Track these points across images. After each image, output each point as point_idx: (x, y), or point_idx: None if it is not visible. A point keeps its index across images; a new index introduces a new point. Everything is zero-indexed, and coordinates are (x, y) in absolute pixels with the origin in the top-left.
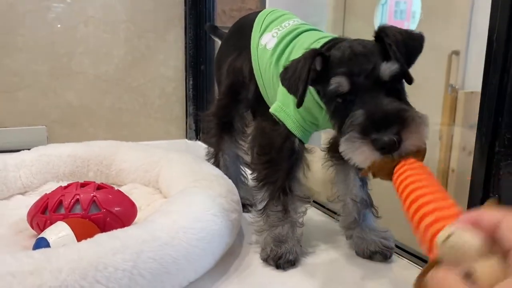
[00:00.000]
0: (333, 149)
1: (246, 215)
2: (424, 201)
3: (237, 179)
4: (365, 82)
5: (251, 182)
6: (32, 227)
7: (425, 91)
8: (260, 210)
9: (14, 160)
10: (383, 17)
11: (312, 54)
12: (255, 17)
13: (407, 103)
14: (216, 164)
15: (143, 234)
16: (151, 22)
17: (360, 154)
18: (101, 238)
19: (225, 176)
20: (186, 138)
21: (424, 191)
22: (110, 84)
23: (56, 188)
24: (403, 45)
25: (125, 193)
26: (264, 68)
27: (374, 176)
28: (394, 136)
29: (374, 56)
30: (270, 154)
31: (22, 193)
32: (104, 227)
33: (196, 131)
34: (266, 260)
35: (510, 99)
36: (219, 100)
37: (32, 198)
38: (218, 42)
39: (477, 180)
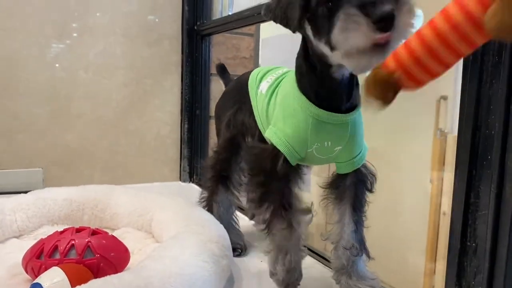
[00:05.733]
0: (332, 186)
1: (237, 260)
2: None
3: (229, 225)
4: None
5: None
6: (27, 272)
7: (415, 135)
8: (264, 229)
9: (11, 204)
10: None
11: None
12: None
13: None
14: (209, 210)
15: (136, 279)
16: (149, 68)
17: (356, 31)
18: (95, 283)
19: (216, 220)
20: (180, 180)
21: None
22: (108, 127)
23: (53, 233)
24: None
25: (118, 237)
26: (261, 111)
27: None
28: (391, 9)
29: None
30: (261, 175)
31: (17, 237)
32: (97, 272)
33: (190, 173)
34: (279, 285)
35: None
36: (218, 153)
37: (26, 242)
38: (214, 88)
39: (455, 229)
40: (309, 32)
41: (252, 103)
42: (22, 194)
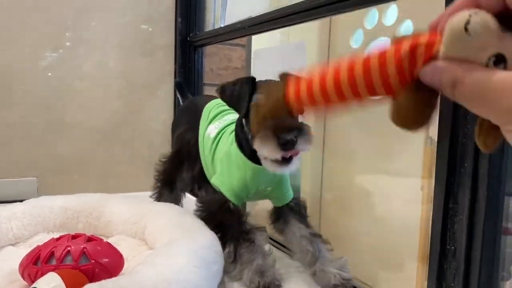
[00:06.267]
0: (275, 221)
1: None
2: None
3: None
4: None
5: None
6: (23, 278)
7: (405, 143)
8: (232, 260)
9: (6, 212)
10: None
11: (249, 79)
12: (207, 101)
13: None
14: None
15: (130, 284)
16: (143, 78)
17: (268, 146)
18: (90, 287)
19: (208, 228)
20: None
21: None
22: (102, 136)
23: (49, 240)
24: None
25: (113, 244)
26: (207, 154)
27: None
28: (294, 137)
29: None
30: (215, 219)
31: (13, 244)
32: (92, 278)
33: None
34: None
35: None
36: (165, 163)
37: (22, 250)
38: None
39: (435, 233)
40: (244, 120)
41: (199, 138)
42: (17, 203)
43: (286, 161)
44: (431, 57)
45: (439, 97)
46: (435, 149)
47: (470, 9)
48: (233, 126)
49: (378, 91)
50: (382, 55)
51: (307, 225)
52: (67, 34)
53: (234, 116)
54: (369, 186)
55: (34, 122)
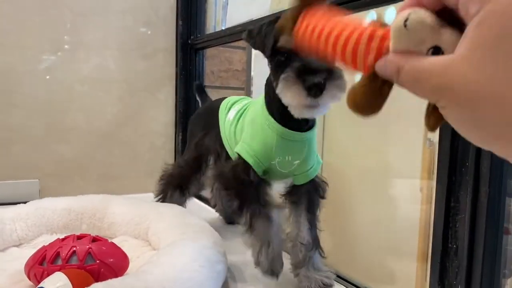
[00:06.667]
0: (289, 193)
1: (232, 265)
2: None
3: None
4: None
5: None
6: (29, 278)
7: (405, 145)
8: (248, 229)
9: (10, 213)
10: None
11: (277, 18)
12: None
13: None
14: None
15: (136, 283)
16: (144, 81)
17: (292, 91)
18: (97, 287)
19: (211, 228)
20: None
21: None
22: (103, 139)
23: (55, 240)
24: None
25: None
26: (228, 134)
27: None
28: (322, 80)
29: None
30: (236, 187)
31: (17, 246)
32: (98, 277)
33: None
34: (265, 273)
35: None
36: (182, 168)
37: (26, 250)
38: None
39: (437, 232)
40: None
41: (221, 128)
42: (21, 204)
43: (312, 106)
44: (383, 51)
45: (391, 89)
46: (434, 151)
47: (412, 8)
48: (253, 105)
49: (347, 59)
50: (353, 31)
51: (315, 219)
52: (66, 37)
53: (250, 99)
54: (368, 187)
55: (35, 124)
